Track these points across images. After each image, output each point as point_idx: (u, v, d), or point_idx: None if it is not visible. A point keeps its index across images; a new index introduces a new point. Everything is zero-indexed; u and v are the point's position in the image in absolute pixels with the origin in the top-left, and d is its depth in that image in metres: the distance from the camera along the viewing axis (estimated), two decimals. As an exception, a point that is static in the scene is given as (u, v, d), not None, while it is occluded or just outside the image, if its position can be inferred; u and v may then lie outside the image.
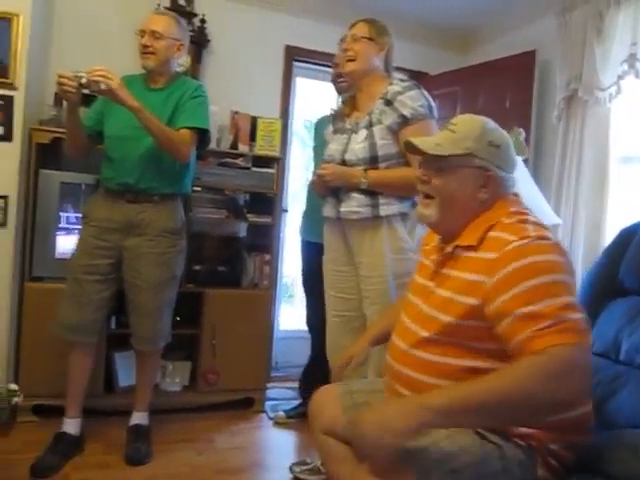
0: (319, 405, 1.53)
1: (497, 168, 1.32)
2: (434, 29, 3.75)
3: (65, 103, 2.20)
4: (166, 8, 3.05)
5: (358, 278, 2.04)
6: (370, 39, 2.05)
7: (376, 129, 1.98)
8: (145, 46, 2.21)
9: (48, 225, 2.59)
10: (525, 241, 1.19)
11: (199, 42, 3.17)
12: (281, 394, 3.24)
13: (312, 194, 2.67)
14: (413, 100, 1.97)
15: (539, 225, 1.27)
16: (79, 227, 2.39)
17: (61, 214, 2.62)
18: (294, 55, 3.56)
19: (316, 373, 2.72)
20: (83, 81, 1.95)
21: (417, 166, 1.45)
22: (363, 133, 2.00)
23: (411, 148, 1.40)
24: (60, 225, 2.62)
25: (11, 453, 2.28)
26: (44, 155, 2.64)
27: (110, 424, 2.54)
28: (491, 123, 1.38)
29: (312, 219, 2.67)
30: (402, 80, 2.08)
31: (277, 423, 2.88)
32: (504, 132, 1.40)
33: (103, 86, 1.96)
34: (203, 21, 3.22)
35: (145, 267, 2.23)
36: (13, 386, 2.11)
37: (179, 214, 2.33)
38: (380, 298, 1.97)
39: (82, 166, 2.60)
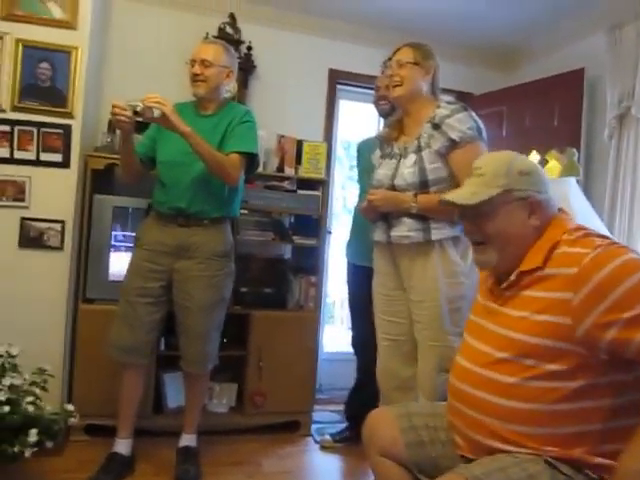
0: (375, 426, 1.51)
1: (537, 193, 1.33)
2: (477, 49, 3.73)
3: (119, 131, 2.27)
4: (214, 37, 3.13)
5: (409, 302, 2.02)
6: (416, 64, 2.05)
7: (425, 153, 1.97)
8: (196, 74, 2.26)
9: (101, 248, 2.67)
10: (599, 250, 1.19)
11: (246, 68, 3.25)
12: (326, 417, 3.21)
13: (358, 217, 2.67)
14: (461, 123, 1.95)
15: (603, 236, 1.28)
16: (131, 250, 2.45)
17: (114, 237, 2.69)
18: (337, 78, 3.60)
19: (363, 396, 2.70)
20: (137, 109, 2.02)
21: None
22: (412, 158, 1.99)
23: (449, 204, 1.40)
24: (112, 248, 2.70)
25: (65, 472, 2.33)
26: (98, 180, 2.73)
27: (159, 445, 2.56)
28: (513, 153, 1.40)
29: (359, 242, 2.67)
30: (449, 103, 2.07)
31: (324, 447, 2.85)
32: (527, 158, 1.43)
33: (156, 113, 2.02)
34: (249, 48, 3.30)
35: (195, 290, 2.26)
36: (70, 407, 2.15)
37: (228, 237, 2.37)
38: (432, 323, 1.94)
39: (134, 191, 2.67)
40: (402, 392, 2.10)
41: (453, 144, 1.94)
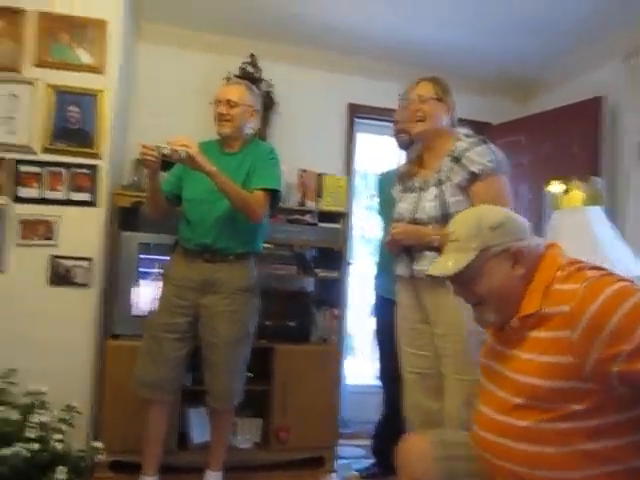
0: (407, 456, 1.47)
1: (515, 241, 1.32)
2: (493, 80, 3.78)
3: (146, 170, 2.33)
4: (236, 76, 3.23)
5: (434, 336, 2.01)
6: (438, 99, 2.08)
7: (446, 186, 1.98)
8: (221, 114, 2.33)
9: (127, 284, 2.72)
10: (589, 282, 1.19)
11: (266, 105, 3.32)
12: (352, 452, 3.17)
13: (384, 250, 2.68)
14: (480, 156, 1.97)
15: (596, 267, 1.27)
16: (156, 286, 2.49)
17: (139, 273, 2.74)
18: (355, 112, 3.67)
19: (390, 430, 2.65)
20: (165, 151, 2.09)
21: None
22: (433, 191, 2.00)
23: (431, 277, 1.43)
24: (138, 284, 2.74)
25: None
26: (124, 218, 2.80)
27: (185, 481, 2.55)
28: (480, 210, 1.42)
29: (386, 275, 2.67)
30: (468, 136, 2.08)
31: (349, 484, 2.81)
32: (495, 208, 1.44)
33: (183, 155, 2.09)
34: (270, 85, 3.38)
35: (220, 325, 2.28)
36: (97, 444, 2.16)
37: (252, 272, 2.39)
38: (458, 356, 1.92)
39: (159, 227, 2.73)
40: (429, 426, 2.07)
41: (473, 177, 1.95)
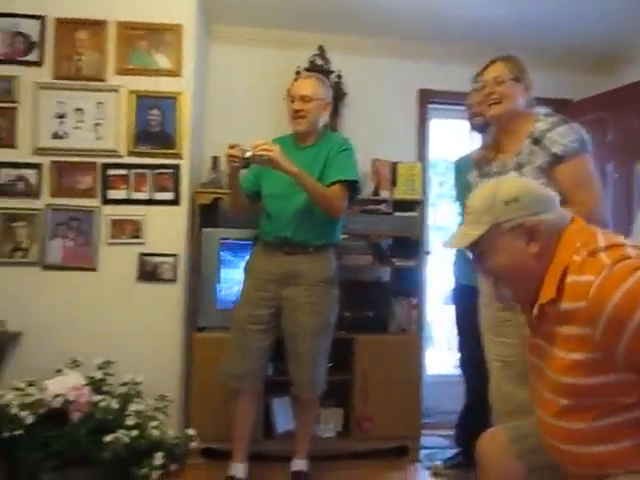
0: (487, 455, 1.44)
1: (530, 216, 1.24)
2: (572, 54, 3.57)
3: (228, 170, 2.39)
4: (305, 69, 3.24)
5: (519, 323, 1.94)
6: (515, 80, 2.00)
7: (527, 170, 1.91)
8: (296, 111, 2.36)
9: (210, 279, 2.81)
10: (603, 276, 1.11)
11: (336, 96, 3.31)
12: (435, 442, 3.13)
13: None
14: (562, 136, 1.87)
15: (610, 244, 1.18)
16: (238, 280, 2.56)
17: (221, 268, 2.83)
18: (427, 98, 3.60)
19: (474, 420, 2.60)
20: (248, 155, 2.17)
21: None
22: (513, 176, 1.94)
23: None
24: (220, 278, 2.83)
25: (184, 494, 2.45)
26: (205, 214, 2.89)
27: (270, 469, 2.61)
28: (497, 184, 1.33)
29: (464, 262, 2.62)
30: (548, 115, 1.99)
31: (436, 474, 2.77)
32: (514, 181, 1.39)
33: (266, 158, 2.15)
34: (339, 77, 3.38)
35: (302, 316, 2.32)
36: (190, 431, 2.26)
37: (332, 264, 2.42)
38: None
39: (238, 222, 2.80)
40: (517, 417, 2.01)
41: (556, 159, 1.86)
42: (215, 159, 3.04)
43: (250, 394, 2.41)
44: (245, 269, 2.48)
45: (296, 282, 2.34)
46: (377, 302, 2.98)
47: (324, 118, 2.47)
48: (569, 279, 1.18)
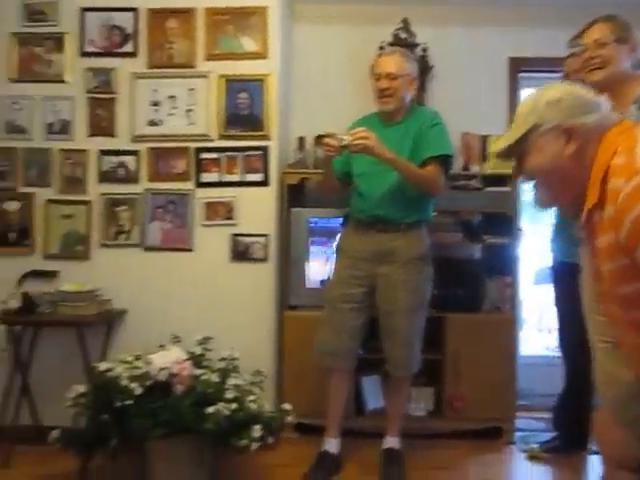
0: (603, 431, 1.39)
1: (570, 118, 1.19)
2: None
3: (321, 156, 2.46)
4: (389, 44, 3.17)
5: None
6: (619, 41, 1.86)
7: None
8: (383, 89, 2.32)
9: (299, 258, 2.86)
10: (633, 182, 1.05)
11: (422, 70, 3.22)
12: (529, 425, 3.03)
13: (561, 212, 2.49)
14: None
15: None
16: (326, 258, 2.59)
17: (310, 247, 2.86)
18: (518, 66, 3.41)
19: (574, 403, 2.51)
20: (344, 143, 2.17)
21: None
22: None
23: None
24: (310, 257, 2.86)
25: (280, 466, 2.53)
26: (293, 195, 2.93)
27: (361, 445, 2.64)
28: (545, 86, 1.27)
29: (564, 237, 2.49)
30: None
31: (532, 457, 2.68)
32: (563, 85, 1.31)
33: (362, 146, 2.14)
34: (425, 49, 3.28)
35: (398, 294, 2.32)
36: (286, 406, 2.34)
37: (425, 241, 2.40)
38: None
39: (325, 202, 2.82)
40: (623, 399, 1.90)
41: None
42: (301, 139, 3.06)
43: (343, 372, 2.44)
44: (337, 248, 2.49)
45: (390, 260, 2.33)
46: (468, 280, 2.91)
47: (411, 93, 2.41)
48: (610, 185, 1.13)
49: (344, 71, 3.30)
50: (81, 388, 2.31)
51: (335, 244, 2.53)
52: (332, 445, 2.43)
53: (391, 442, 2.47)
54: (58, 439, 2.30)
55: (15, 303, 2.63)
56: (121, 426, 2.17)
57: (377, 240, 2.34)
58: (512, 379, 2.89)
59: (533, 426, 3.02)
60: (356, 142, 2.14)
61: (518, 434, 2.88)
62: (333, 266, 2.48)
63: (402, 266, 2.32)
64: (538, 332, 4.38)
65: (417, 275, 2.34)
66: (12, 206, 2.89)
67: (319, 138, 2.42)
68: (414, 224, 2.35)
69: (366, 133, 2.15)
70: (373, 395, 2.91)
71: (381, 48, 3.13)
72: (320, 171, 2.58)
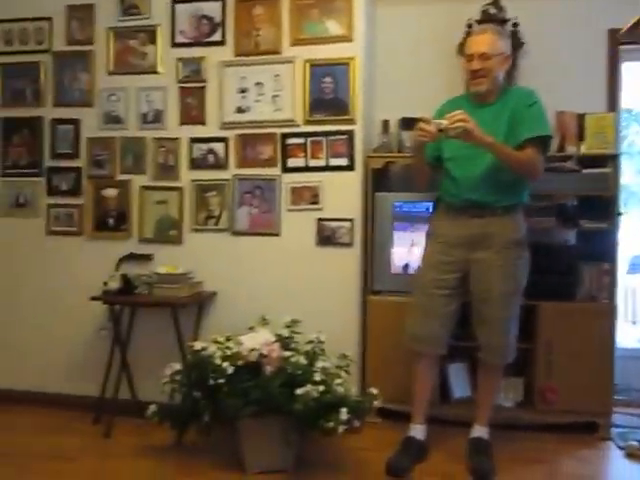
0: None
1: None
2: None
3: (414, 143, 2.38)
4: (477, 21, 3.05)
5: None
6: None
7: None
8: (475, 71, 2.24)
9: (384, 242, 2.83)
10: None
11: (513, 46, 3.06)
12: (628, 421, 2.86)
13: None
14: None
15: None
16: (411, 243, 2.55)
17: (395, 232, 2.83)
18: (619, 38, 3.17)
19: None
20: (442, 127, 2.10)
21: None
22: None
23: None
24: (394, 242, 2.83)
25: (363, 450, 2.54)
26: (377, 179, 2.90)
27: (447, 433, 2.60)
28: None
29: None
30: None
31: (630, 454, 2.54)
32: None
33: (460, 130, 2.07)
34: (515, 25, 3.12)
35: (494, 280, 2.26)
36: (374, 390, 2.34)
37: (522, 225, 2.32)
38: None
39: (411, 186, 2.77)
40: None
41: None
42: (385, 123, 3.02)
43: (432, 357, 2.41)
44: (428, 233, 2.45)
45: (486, 245, 2.27)
46: (562, 267, 2.76)
47: (503, 72, 2.31)
48: None
49: (429, 51, 3.20)
50: (176, 366, 2.43)
51: (426, 229, 2.47)
52: (418, 431, 2.41)
53: (479, 431, 2.41)
54: (155, 413, 2.43)
55: (115, 284, 2.80)
56: (213, 403, 2.26)
57: (471, 225, 2.28)
58: (609, 372, 2.73)
59: (632, 422, 2.85)
60: (454, 126, 2.07)
61: (615, 430, 2.73)
62: (423, 251, 2.44)
63: (498, 251, 2.25)
64: (632, 324, 4.14)
65: (514, 260, 2.27)
66: (110, 193, 3.06)
67: (413, 122, 2.33)
68: (510, 208, 2.28)
69: (464, 116, 2.08)
70: (459, 383, 2.86)
71: (469, 26, 3.02)
72: (410, 155, 2.52)
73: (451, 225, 2.33)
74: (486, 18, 3.08)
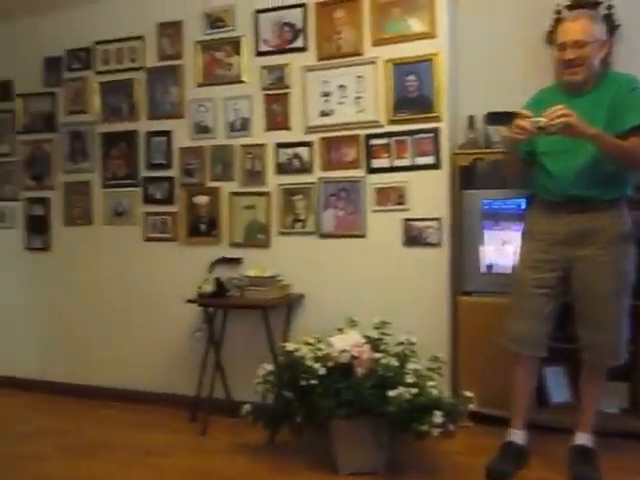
0: None
1: None
2: None
3: (507, 141, 2.31)
4: (567, 7, 2.90)
5: None
6: None
7: None
8: (570, 60, 2.13)
9: (473, 241, 2.75)
10: None
11: (608, 30, 2.90)
12: None
13: None
14: None
15: None
16: (502, 242, 2.46)
17: (484, 230, 2.74)
18: None
19: None
20: (541, 124, 2.01)
21: None
22: None
23: None
24: (484, 241, 2.74)
25: (456, 454, 2.47)
26: (465, 176, 2.82)
27: (546, 440, 2.48)
28: None
29: None
30: None
31: None
32: None
33: (561, 126, 1.97)
34: (610, 7, 2.94)
35: (601, 277, 2.15)
36: (468, 393, 2.28)
37: (626, 218, 2.19)
38: None
39: (500, 183, 2.66)
40: None
41: None
42: (471, 118, 2.93)
43: (531, 359, 2.31)
44: (524, 232, 2.35)
45: (590, 242, 2.15)
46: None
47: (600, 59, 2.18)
48: None
49: (514, 42, 3.07)
50: (269, 366, 2.48)
51: (522, 227, 2.37)
52: (518, 437, 2.31)
53: (583, 439, 2.28)
54: (249, 412, 2.49)
55: (209, 287, 2.91)
56: (306, 404, 2.28)
57: (572, 221, 2.17)
58: None
59: None
60: (555, 122, 1.97)
61: None
62: (519, 250, 2.35)
63: (604, 247, 2.13)
64: None
65: (621, 256, 2.14)
66: (202, 200, 3.19)
67: (504, 116, 2.24)
68: (614, 201, 2.15)
69: (565, 110, 1.97)
70: (557, 388, 2.73)
71: (558, 12, 2.87)
72: (501, 151, 2.43)
73: (549, 222, 2.23)
74: (576, 3, 2.92)
